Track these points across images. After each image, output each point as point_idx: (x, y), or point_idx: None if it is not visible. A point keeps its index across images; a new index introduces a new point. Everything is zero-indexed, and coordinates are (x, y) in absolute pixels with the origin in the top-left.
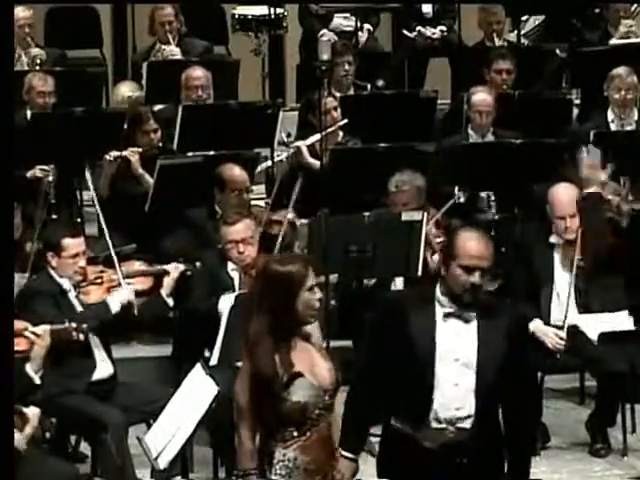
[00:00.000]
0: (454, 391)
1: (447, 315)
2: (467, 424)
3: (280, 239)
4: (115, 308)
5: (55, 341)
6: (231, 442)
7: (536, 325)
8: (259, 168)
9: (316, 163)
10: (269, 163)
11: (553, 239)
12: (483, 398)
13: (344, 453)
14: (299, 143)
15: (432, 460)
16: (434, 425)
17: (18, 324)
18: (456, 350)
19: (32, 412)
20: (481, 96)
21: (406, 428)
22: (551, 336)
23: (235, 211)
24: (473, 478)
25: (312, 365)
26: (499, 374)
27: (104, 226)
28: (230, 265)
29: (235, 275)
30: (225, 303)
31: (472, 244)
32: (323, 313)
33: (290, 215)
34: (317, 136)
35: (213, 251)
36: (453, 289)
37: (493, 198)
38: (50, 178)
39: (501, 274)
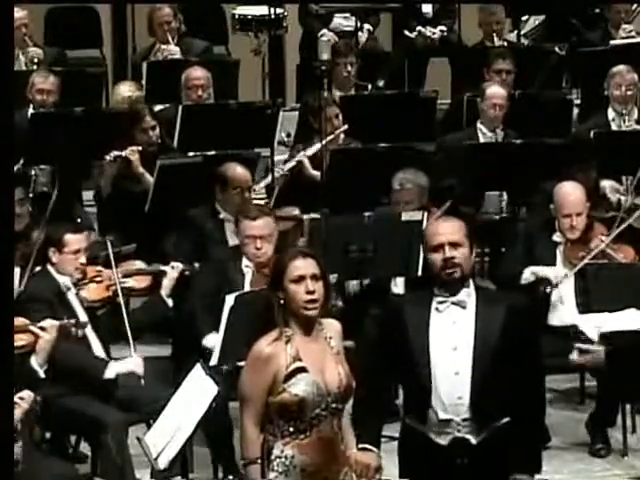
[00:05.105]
0: (455, 380)
1: (441, 303)
2: (469, 414)
3: (302, 236)
4: (110, 375)
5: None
6: (228, 443)
7: (532, 269)
8: (260, 184)
9: (317, 175)
10: (269, 180)
11: (556, 237)
12: (479, 384)
13: (362, 446)
14: (301, 156)
15: (445, 457)
16: (442, 416)
17: (19, 320)
18: (454, 338)
19: (25, 395)
20: (496, 89)
21: (416, 424)
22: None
23: (257, 207)
24: (484, 474)
25: (323, 366)
26: (497, 360)
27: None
28: (245, 261)
29: (248, 272)
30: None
31: (434, 225)
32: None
33: (296, 211)
34: (318, 145)
35: (224, 247)
36: (434, 273)
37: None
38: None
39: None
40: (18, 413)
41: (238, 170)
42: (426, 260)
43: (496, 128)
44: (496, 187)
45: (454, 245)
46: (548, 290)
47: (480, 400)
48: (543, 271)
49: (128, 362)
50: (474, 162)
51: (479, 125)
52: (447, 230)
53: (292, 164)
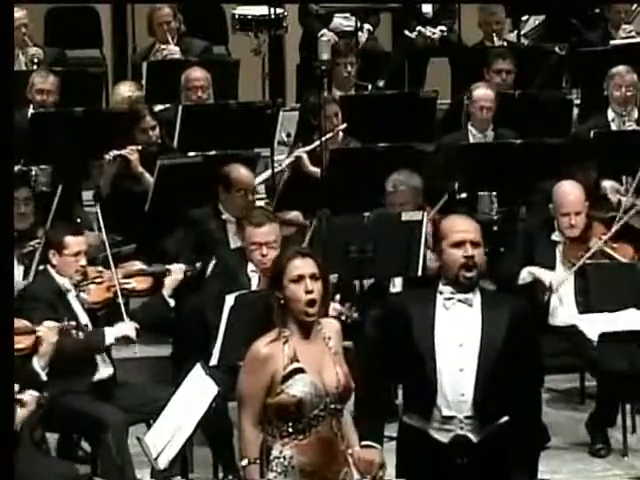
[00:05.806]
0: (459, 376)
1: (448, 299)
2: (472, 411)
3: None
4: (110, 340)
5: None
6: (228, 444)
7: (529, 269)
8: (259, 178)
9: (316, 171)
10: (269, 173)
11: (555, 236)
12: (483, 382)
13: (365, 443)
14: (299, 152)
15: (445, 456)
16: (445, 413)
17: (20, 323)
18: (460, 335)
19: (29, 395)
20: (483, 91)
21: (417, 421)
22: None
23: (261, 212)
24: (484, 473)
25: (321, 367)
26: (501, 359)
27: (103, 226)
28: (250, 266)
29: (254, 276)
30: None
31: (456, 221)
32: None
33: (300, 217)
34: (317, 142)
35: (228, 250)
36: (450, 271)
37: (495, 197)
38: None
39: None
40: (24, 413)
41: (242, 172)
42: (425, 259)
43: (485, 130)
44: (496, 187)
45: (474, 244)
46: (546, 298)
47: (483, 398)
48: (540, 273)
49: (122, 327)
50: (474, 162)
51: (469, 127)
52: (470, 228)
53: (290, 159)
